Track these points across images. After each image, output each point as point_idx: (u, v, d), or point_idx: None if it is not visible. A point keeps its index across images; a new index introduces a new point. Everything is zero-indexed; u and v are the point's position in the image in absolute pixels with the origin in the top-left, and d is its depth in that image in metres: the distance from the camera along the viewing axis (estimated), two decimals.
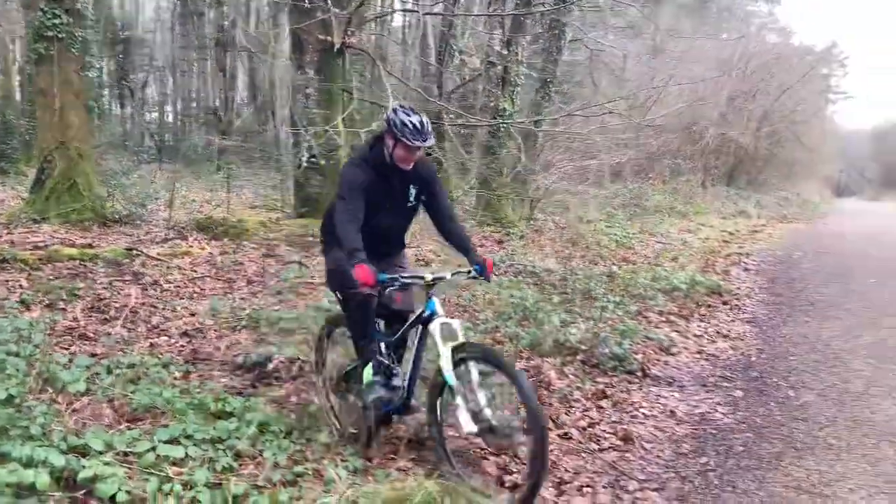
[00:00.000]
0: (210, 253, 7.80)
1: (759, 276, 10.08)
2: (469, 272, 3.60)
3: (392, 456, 3.58)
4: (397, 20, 21.15)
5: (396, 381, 3.60)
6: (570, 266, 8.58)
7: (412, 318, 3.59)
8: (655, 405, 4.65)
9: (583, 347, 5.35)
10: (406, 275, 3.47)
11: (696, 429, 4.31)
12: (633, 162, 19.46)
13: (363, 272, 3.17)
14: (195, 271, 7.07)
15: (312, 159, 8.54)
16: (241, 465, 3.23)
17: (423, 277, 3.46)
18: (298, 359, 4.62)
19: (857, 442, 4.15)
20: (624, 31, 18.15)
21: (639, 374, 5.14)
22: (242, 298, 6.25)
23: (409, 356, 3.64)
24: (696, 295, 7.93)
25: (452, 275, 3.58)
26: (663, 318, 6.85)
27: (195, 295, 6.33)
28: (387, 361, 3.65)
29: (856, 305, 8.11)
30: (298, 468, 3.24)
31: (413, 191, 3.60)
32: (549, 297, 6.91)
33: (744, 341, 6.40)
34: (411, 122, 3.34)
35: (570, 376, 4.93)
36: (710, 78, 20.36)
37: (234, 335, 5.24)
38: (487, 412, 3.15)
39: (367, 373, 3.62)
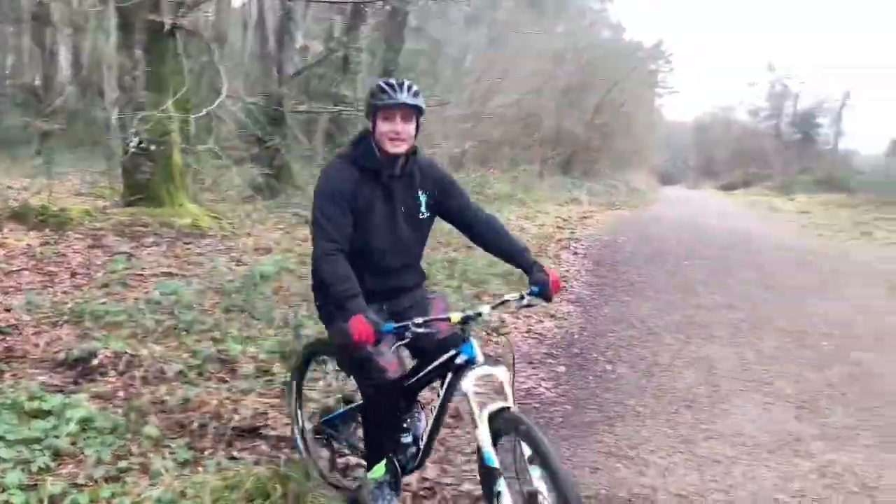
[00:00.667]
0: (28, 244, 7.30)
1: (585, 260, 10.75)
2: (521, 298, 2.76)
3: (227, 446, 3.57)
4: (236, 0, 20.46)
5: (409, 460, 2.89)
6: None
7: (442, 358, 2.67)
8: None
9: None
10: (421, 319, 2.54)
11: (521, 404, 4.59)
12: (475, 151, 20.04)
13: (358, 326, 2.41)
14: (10, 264, 6.60)
15: (142, 145, 8.18)
16: (59, 464, 3.12)
17: (448, 319, 2.61)
18: (126, 352, 4.46)
19: (661, 409, 4.61)
20: (465, 22, 18.60)
21: None
22: (65, 292, 5.92)
23: (428, 409, 2.86)
24: None
25: (494, 307, 2.75)
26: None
27: (10, 290, 5.92)
28: (405, 462, 2.90)
29: (670, 285, 8.87)
30: (123, 463, 3.17)
31: (423, 197, 2.84)
32: None
33: (568, 320, 6.85)
34: (386, 82, 2.74)
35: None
36: (543, 70, 21.32)
37: (54, 331, 4.97)
38: (547, 497, 2.34)
39: (377, 471, 2.87)
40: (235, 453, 3.48)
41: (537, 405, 4.58)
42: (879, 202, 29.06)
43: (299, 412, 3.43)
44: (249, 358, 4.69)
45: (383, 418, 2.83)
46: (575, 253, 11.32)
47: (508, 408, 2.51)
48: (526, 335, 6.20)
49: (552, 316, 6.93)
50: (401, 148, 2.71)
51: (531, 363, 5.45)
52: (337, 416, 3.21)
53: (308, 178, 12.81)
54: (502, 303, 2.80)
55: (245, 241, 8.42)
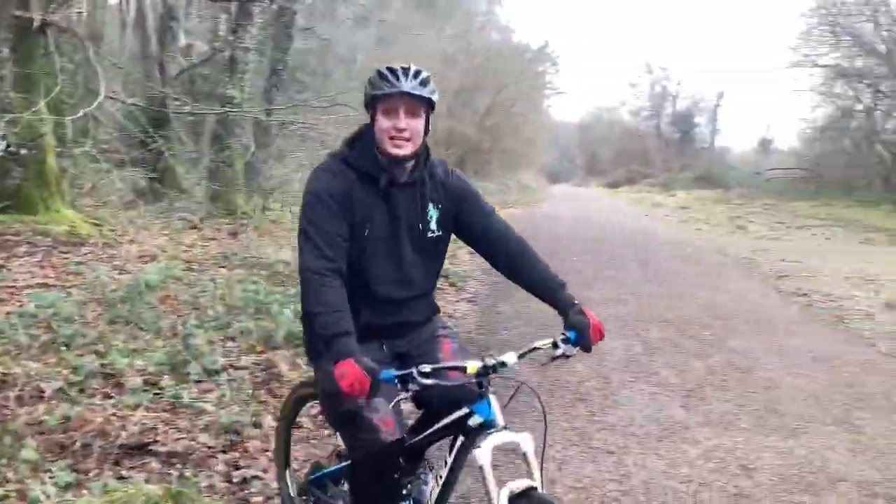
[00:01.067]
0: None
1: (481, 259, 10.90)
2: (555, 346, 2.22)
3: (114, 465, 3.39)
4: None
5: None
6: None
7: (452, 417, 2.20)
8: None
9: None
10: (429, 367, 2.02)
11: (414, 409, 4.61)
12: None
13: (348, 373, 1.92)
14: None
15: (10, 149, 7.67)
16: None
17: (464, 368, 2.07)
18: None
19: (556, 403, 4.72)
20: (354, 22, 18.46)
21: None
22: None
23: (435, 473, 2.37)
24: None
25: (521, 356, 2.16)
26: None
27: None
28: None
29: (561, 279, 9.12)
30: None
31: (434, 211, 2.36)
32: (285, 288, 6.92)
33: (465, 319, 6.93)
34: (387, 67, 2.26)
35: (303, 366, 5.01)
36: (434, 73, 21.45)
37: None
38: None
39: None
40: (124, 472, 3.31)
41: None
42: (750, 197, 31.03)
43: (287, 470, 2.99)
44: (136, 371, 4.47)
45: (375, 485, 2.33)
46: (470, 252, 11.46)
47: (535, 488, 2.04)
48: None
49: (450, 316, 6.98)
50: (404, 149, 2.22)
51: None
52: (327, 475, 2.68)
53: (195, 181, 12.40)
54: (531, 350, 2.21)
55: (128, 249, 8.04)
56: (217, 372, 4.62)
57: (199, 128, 13.48)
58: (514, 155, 36.47)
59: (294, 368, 4.93)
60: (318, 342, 2.16)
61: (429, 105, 2.25)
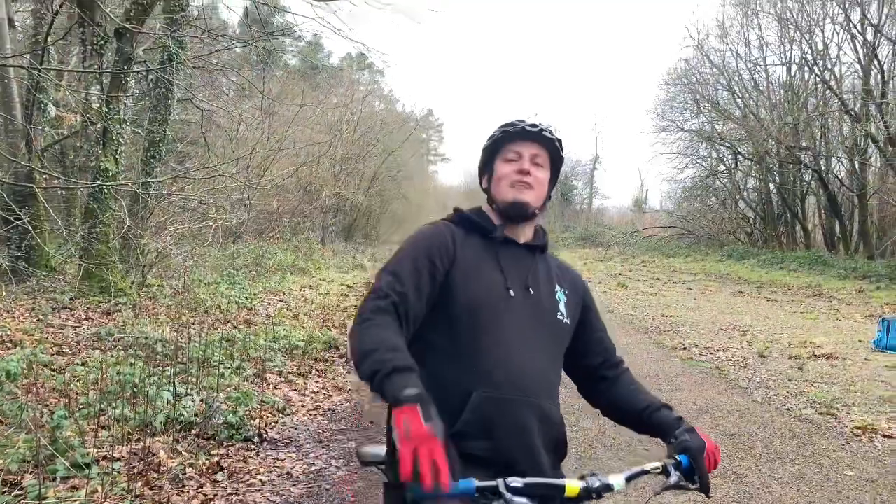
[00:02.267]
0: None
1: None
2: (666, 471, 1.78)
3: None
4: None
5: None
6: (188, 334, 8.25)
7: None
8: (273, 469, 4.66)
9: (198, 420, 5.16)
10: (521, 481, 1.59)
11: (311, 486, 4.41)
12: (254, 221, 19.58)
13: (412, 428, 1.37)
14: None
15: None
16: None
17: (562, 488, 1.64)
18: None
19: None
20: (235, 93, 18.30)
21: (256, 440, 5.11)
22: None
23: None
24: (315, 351, 8.19)
25: (630, 479, 1.74)
26: (282, 379, 6.93)
27: None
28: None
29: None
30: None
31: (563, 295, 1.99)
32: (163, 370, 6.55)
33: (357, 392, 6.77)
34: (510, 120, 2.02)
35: (184, 453, 4.71)
36: (320, 142, 21.52)
37: None
38: None
39: None
40: None
41: (328, 486, 4.41)
42: (629, 255, 32.43)
43: None
44: None
45: None
46: None
47: None
48: (314, 413, 6.02)
49: (340, 389, 6.81)
50: (527, 194, 1.93)
51: (321, 442, 5.27)
52: None
53: (65, 259, 11.71)
54: (640, 474, 1.77)
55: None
56: (88, 465, 4.26)
57: (72, 202, 12.83)
58: (403, 218, 36.85)
59: (174, 455, 4.63)
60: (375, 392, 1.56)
61: (556, 154, 2.02)
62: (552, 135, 1.98)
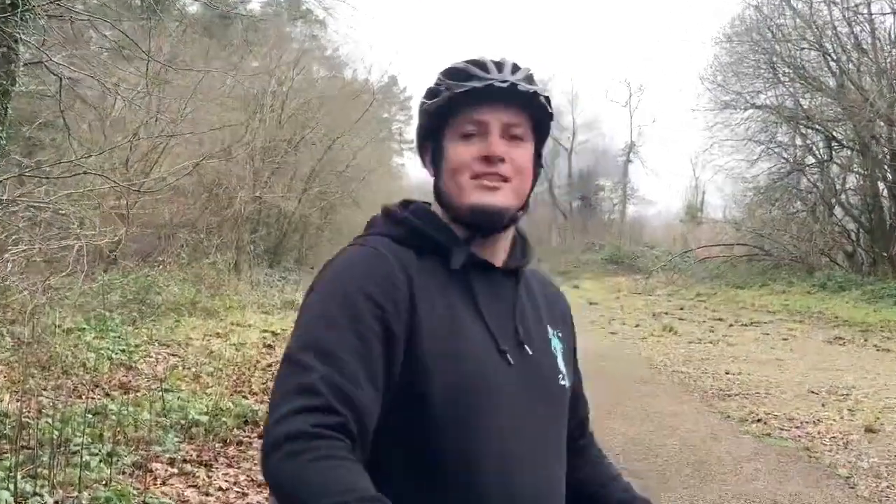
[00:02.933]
0: None
1: None
2: None
3: None
4: None
5: None
6: (37, 404, 8.16)
7: None
8: None
9: None
10: None
11: None
12: (136, 240, 19.45)
13: None
14: None
15: None
16: None
17: None
18: None
19: None
20: (110, 54, 18.24)
21: None
22: None
23: None
24: (223, 429, 8.11)
25: None
26: (175, 470, 6.86)
27: None
28: None
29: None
30: None
31: (558, 342, 1.98)
32: None
33: None
34: (465, 61, 1.85)
35: None
36: (232, 125, 21.48)
37: None
38: None
39: None
40: None
41: None
42: (679, 285, 32.57)
43: None
44: None
45: None
46: None
47: None
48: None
49: (259, 485, 6.75)
50: (500, 195, 1.79)
51: None
52: None
53: None
54: None
55: None
56: None
57: None
58: (356, 231, 36.75)
59: None
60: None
61: (538, 122, 1.88)
62: (534, 88, 1.82)
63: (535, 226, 57.62)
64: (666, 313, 24.01)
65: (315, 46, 40.14)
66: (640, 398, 11.04)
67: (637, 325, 21.26)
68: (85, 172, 11.39)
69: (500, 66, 1.80)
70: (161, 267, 19.86)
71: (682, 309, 25.38)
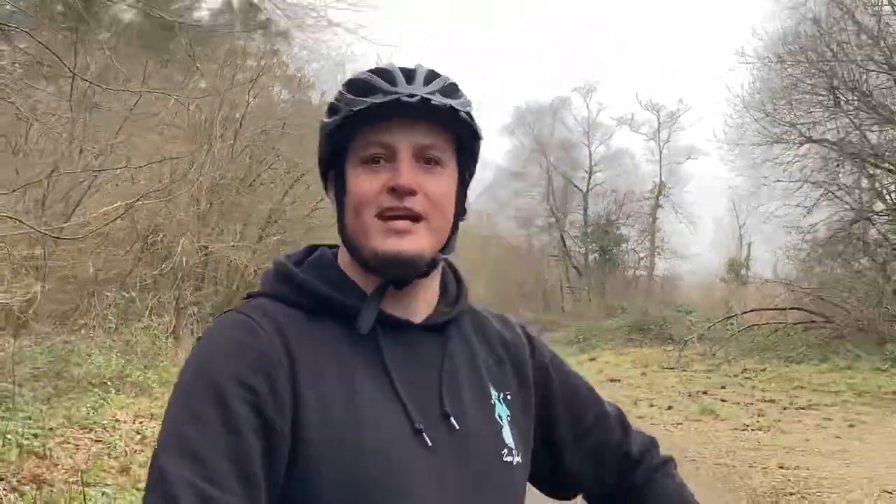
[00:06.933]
0: None
1: None
2: None
3: None
4: None
5: None
6: None
7: None
8: None
9: None
10: None
11: None
12: (53, 298, 19.38)
13: None
14: None
15: None
16: None
17: None
18: None
19: None
20: (26, 68, 18.32)
21: None
22: None
23: None
24: None
25: None
26: None
27: None
28: None
29: None
30: None
31: (504, 408, 1.93)
32: None
33: None
34: (368, 72, 1.82)
35: None
36: (174, 157, 21.48)
37: None
38: None
39: None
40: None
41: None
42: (720, 358, 32.47)
43: None
44: None
45: None
46: None
47: None
48: None
49: None
50: (412, 239, 1.76)
51: None
52: None
53: None
54: None
55: None
56: None
57: None
58: None
59: None
60: None
61: (462, 141, 1.87)
62: (452, 102, 1.79)
63: (542, 285, 57.76)
64: (704, 393, 23.90)
65: (276, 63, 40.30)
66: None
67: (669, 408, 21.18)
68: None
69: (409, 75, 1.78)
70: (83, 332, 19.77)
71: (724, 388, 25.25)
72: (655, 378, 28.04)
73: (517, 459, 1.87)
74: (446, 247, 1.84)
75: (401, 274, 1.77)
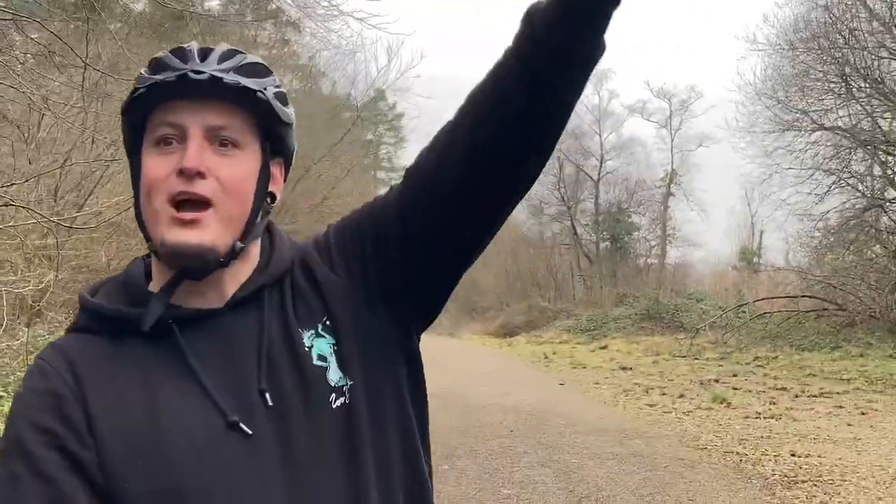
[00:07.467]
0: None
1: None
2: None
3: None
4: None
5: None
6: None
7: None
8: None
9: None
10: None
11: None
12: (67, 288, 19.42)
13: None
14: None
15: None
16: None
17: None
18: None
19: None
20: (37, 58, 18.34)
21: None
22: None
23: None
24: None
25: None
26: None
27: None
28: None
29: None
30: None
31: (320, 342, 1.79)
32: None
33: None
34: (170, 50, 1.74)
35: None
36: None
37: None
38: None
39: None
40: None
41: None
42: (731, 346, 32.37)
43: None
44: None
45: None
46: None
47: None
48: None
49: None
50: (198, 231, 1.68)
51: None
52: None
53: None
54: None
55: None
56: None
57: None
58: None
59: None
60: None
61: (263, 123, 1.82)
62: (245, 82, 1.74)
63: (553, 273, 57.60)
64: (716, 381, 23.86)
65: (287, 53, 40.22)
66: (685, 486, 10.95)
67: (681, 396, 21.14)
68: (5, 205, 11.39)
69: (206, 53, 1.74)
70: None
71: (735, 376, 25.21)
72: (667, 366, 27.99)
73: (344, 401, 1.74)
74: (248, 234, 1.76)
75: (190, 266, 1.71)
